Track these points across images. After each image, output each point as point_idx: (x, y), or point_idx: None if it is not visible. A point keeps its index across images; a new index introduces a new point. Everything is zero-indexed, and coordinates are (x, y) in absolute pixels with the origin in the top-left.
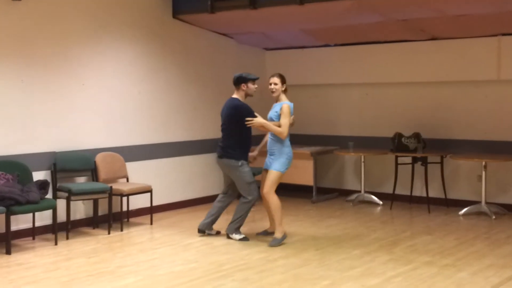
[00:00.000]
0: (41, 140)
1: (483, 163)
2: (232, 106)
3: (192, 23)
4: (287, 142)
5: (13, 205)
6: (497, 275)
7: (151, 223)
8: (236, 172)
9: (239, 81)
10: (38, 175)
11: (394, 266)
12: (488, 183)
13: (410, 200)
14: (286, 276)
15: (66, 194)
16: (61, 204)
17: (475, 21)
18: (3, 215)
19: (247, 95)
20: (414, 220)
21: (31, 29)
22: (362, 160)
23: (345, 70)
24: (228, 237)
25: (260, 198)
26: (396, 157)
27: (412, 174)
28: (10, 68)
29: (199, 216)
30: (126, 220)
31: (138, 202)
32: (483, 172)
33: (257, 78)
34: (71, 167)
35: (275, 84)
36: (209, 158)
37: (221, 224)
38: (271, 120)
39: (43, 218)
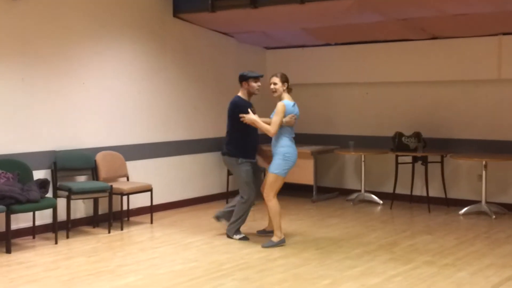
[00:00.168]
0: (42, 139)
1: (484, 162)
2: (230, 102)
3: (192, 22)
4: (285, 142)
5: (13, 204)
6: (497, 275)
7: (151, 222)
8: (235, 170)
9: (241, 79)
10: (39, 174)
11: (394, 266)
12: (488, 183)
13: (410, 200)
14: (286, 275)
15: (66, 193)
16: (61, 203)
17: (476, 20)
18: (3, 214)
19: (249, 93)
20: (414, 220)
21: (31, 29)
22: (363, 159)
23: (345, 69)
24: (228, 237)
25: (260, 197)
26: (397, 156)
27: (413, 174)
28: (10, 68)
29: (200, 215)
30: (126, 219)
31: (138, 201)
32: (484, 172)
33: (259, 76)
34: (71, 166)
35: (275, 84)
36: (209, 157)
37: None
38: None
39: (43, 217)
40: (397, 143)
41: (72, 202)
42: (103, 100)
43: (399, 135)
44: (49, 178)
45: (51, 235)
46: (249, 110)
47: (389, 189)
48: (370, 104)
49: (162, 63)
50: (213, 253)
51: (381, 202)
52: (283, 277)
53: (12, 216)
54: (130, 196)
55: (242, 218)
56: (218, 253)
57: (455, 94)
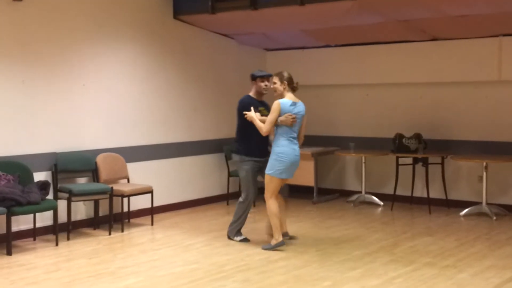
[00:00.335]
0: (42, 140)
1: (484, 163)
2: (238, 101)
3: (192, 24)
4: (281, 142)
5: (13, 206)
6: (498, 276)
7: (152, 224)
8: (238, 167)
9: (251, 78)
10: (39, 176)
11: (395, 267)
12: (489, 184)
13: (411, 201)
14: (287, 277)
15: (67, 195)
16: (62, 205)
17: (476, 21)
18: (4, 216)
19: (258, 92)
20: (415, 221)
21: (31, 30)
22: (363, 161)
23: (345, 71)
24: (229, 238)
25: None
26: (397, 157)
27: (413, 175)
28: (10, 69)
29: (200, 216)
30: (127, 221)
31: (139, 202)
32: (484, 173)
33: (265, 75)
34: (72, 167)
35: (274, 83)
36: (210, 159)
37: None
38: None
39: (44, 219)
40: (397, 145)
41: (72, 204)
42: (103, 102)
43: (400, 136)
44: (50, 180)
45: (51, 237)
46: (251, 108)
47: (390, 191)
48: (370, 106)
49: (162, 64)
50: (214, 254)
51: (382, 203)
52: (283, 278)
53: (13, 218)
54: (131, 198)
55: (242, 219)
56: (218, 254)
57: (456, 96)
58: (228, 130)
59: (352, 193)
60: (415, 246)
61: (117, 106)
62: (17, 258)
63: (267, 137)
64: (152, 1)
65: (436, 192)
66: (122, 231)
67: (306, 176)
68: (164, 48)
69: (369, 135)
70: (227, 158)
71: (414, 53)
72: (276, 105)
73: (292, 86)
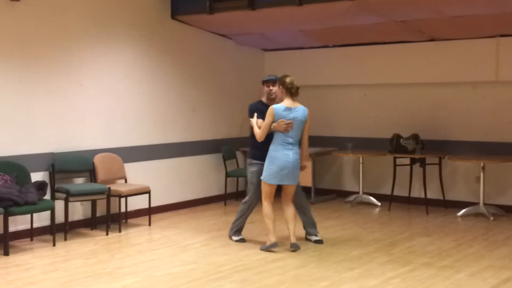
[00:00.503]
0: (39, 140)
1: (481, 164)
2: None
3: (190, 24)
4: (273, 147)
5: (11, 206)
6: (495, 276)
7: (150, 224)
8: (247, 170)
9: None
10: (36, 176)
11: (393, 267)
12: (486, 184)
13: (408, 201)
14: (285, 277)
15: (64, 195)
16: (59, 205)
17: (474, 22)
18: (1, 216)
19: (267, 97)
20: (413, 221)
21: (29, 30)
22: (361, 161)
23: (343, 71)
24: (230, 238)
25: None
26: (395, 158)
27: (411, 175)
28: (8, 69)
29: (198, 217)
30: (124, 221)
31: (137, 203)
32: (481, 173)
33: (269, 80)
34: (69, 168)
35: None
36: (208, 159)
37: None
38: None
39: (41, 219)
40: (395, 145)
41: (70, 204)
42: (101, 102)
43: (397, 137)
44: (47, 180)
45: (49, 237)
46: (255, 114)
47: (387, 191)
48: (368, 106)
49: (160, 65)
50: (212, 255)
51: (379, 204)
52: (281, 278)
53: (10, 218)
54: (128, 198)
55: (241, 220)
56: (216, 255)
57: (453, 96)
58: (226, 130)
59: (349, 193)
60: (412, 247)
61: (115, 106)
62: (14, 258)
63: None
64: (149, 1)
65: (433, 193)
66: (120, 231)
67: (303, 177)
68: (162, 49)
69: (366, 135)
70: (225, 159)
71: (412, 53)
72: (269, 110)
73: (290, 91)
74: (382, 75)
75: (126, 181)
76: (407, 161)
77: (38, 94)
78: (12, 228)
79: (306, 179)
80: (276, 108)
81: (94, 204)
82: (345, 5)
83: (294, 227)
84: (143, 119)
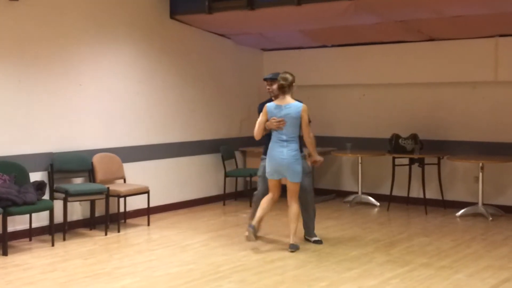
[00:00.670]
0: (38, 140)
1: (480, 164)
2: None
3: (189, 24)
4: (271, 145)
5: (9, 206)
6: (494, 277)
7: (148, 224)
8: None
9: None
10: (35, 176)
11: (392, 268)
12: (485, 185)
13: (407, 202)
14: (284, 277)
15: (63, 195)
16: (58, 205)
17: (473, 22)
18: (0, 216)
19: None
20: (411, 222)
21: (28, 30)
22: (360, 161)
23: (342, 71)
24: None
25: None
26: (393, 158)
27: (409, 176)
28: (7, 69)
29: (197, 217)
30: (123, 221)
31: (135, 203)
32: (480, 174)
33: (267, 78)
34: (68, 168)
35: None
36: (207, 159)
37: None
38: None
39: (40, 219)
40: (394, 145)
41: (68, 204)
42: (100, 102)
43: (396, 137)
44: (46, 180)
45: (47, 237)
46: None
47: (386, 191)
48: (367, 106)
49: (159, 64)
50: (211, 255)
51: (378, 204)
52: (280, 279)
53: (9, 218)
54: (127, 198)
55: (253, 208)
56: (215, 255)
57: (452, 96)
58: (225, 130)
59: (348, 193)
60: (411, 247)
61: (114, 106)
62: (13, 259)
63: None
64: (148, 1)
65: (432, 193)
66: (119, 231)
67: None
68: (161, 48)
69: (365, 135)
70: (224, 159)
71: (411, 53)
72: (264, 108)
73: (281, 89)
74: (381, 75)
75: (125, 181)
76: (406, 161)
77: (37, 94)
78: (10, 228)
79: None
80: (269, 106)
81: (93, 204)
82: (343, 5)
83: (295, 228)
84: (142, 119)
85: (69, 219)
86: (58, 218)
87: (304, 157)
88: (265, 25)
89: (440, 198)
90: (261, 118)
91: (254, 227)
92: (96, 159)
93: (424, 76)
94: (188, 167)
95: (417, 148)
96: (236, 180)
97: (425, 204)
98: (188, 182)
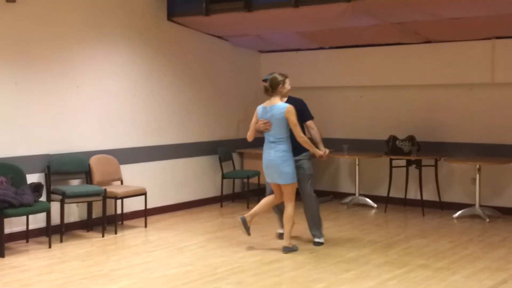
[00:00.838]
0: (35, 142)
1: (477, 166)
2: None
3: (187, 26)
4: (263, 147)
5: (6, 207)
6: (491, 278)
7: (146, 226)
8: None
9: None
10: (32, 178)
11: (389, 269)
12: (482, 186)
13: (405, 203)
14: (281, 279)
15: (60, 197)
16: (55, 206)
17: (470, 24)
18: None
19: None
20: (409, 223)
21: (25, 31)
22: (357, 163)
23: (339, 73)
24: None
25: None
26: (391, 160)
27: (407, 177)
28: (4, 70)
29: (194, 218)
30: (120, 222)
31: (133, 204)
32: (477, 175)
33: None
34: (65, 169)
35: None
36: (204, 161)
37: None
38: None
39: (37, 221)
40: (391, 147)
41: (66, 206)
42: (97, 104)
43: (393, 138)
44: (43, 182)
45: (44, 239)
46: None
47: (383, 193)
48: (364, 108)
49: (157, 66)
50: (208, 256)
51: (376, 205)
52: (278, 280)
53: (6, 220)
54: (124, 199)
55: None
56: (213, 256)
57: (449, 98)
58: (222, 132)
59: (345, 195)
60: (408, 248)
61: (111, 108)
62: (10, 260)
63: (295, 139)
64: (146, 3)
65: (429, 194)
66: (116, 233)
67: None
68: (158, 50)
69: (362, 137)
70: (221, 160)
71: (408, 55)
72: (256, 110)
73: (266, 92)
74: (378, 77)
75: (122, 183)
76: (403, 162)
77: (34, 96)
78: (7, 230)
79: None
80: (258, 108)
81: (90, 205)
82: (341, 7)
83: (287, 230)
84: (139, 120)
85: (66, 220)
86: (55, 219)
87: (309, 158)
88: (263, 27)
89: (437, 199)
90: (252, 120)
91: (245, 219)
92: (93, 160)
93: (421, 78)
94: (185, 169)
95: (414, 150)
96: (234, 181)
97: (422, 205)
98: (185, 184)
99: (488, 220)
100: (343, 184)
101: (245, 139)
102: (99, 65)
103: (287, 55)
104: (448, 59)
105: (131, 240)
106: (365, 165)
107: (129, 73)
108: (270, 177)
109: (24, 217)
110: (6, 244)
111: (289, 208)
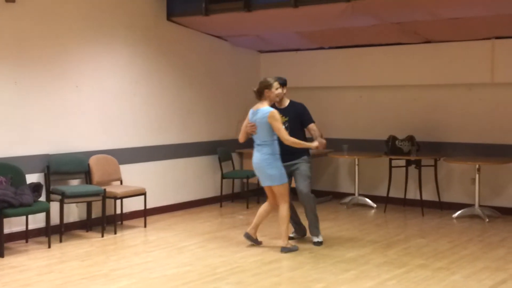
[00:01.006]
0: (35, 142)
1: (477, 166)
2: None
3: (186, 26)
4: None
5: (6, 207)
6: (491, 278)
7: (145, 226)
8: None
9: None
10: (32, 178)
11: (388, 269)
12: (482, 186)
13: (404, 203)
14: (281, 279)
15: (59, 197)
16: (54, 206)
17: (469, 24)
18: None
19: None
20: (408, 223)
21: (25, 31)
22: (356, 163)
23: (339, 73)
24: None
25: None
26: (390, 160)
27: (406, 177)
28: (3, 70)
29: (194, 218)
30: (119, 223)
31: (132, 204)
32: (477, 175)
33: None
34: (64, 169)
35: None
36: (204, 161)
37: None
38: None
39: (37, 221)
40: (390, 147)
41: (65, 206)
42: (96, 103)
43: (393, 138)
44: (42, 182)
45: (44, 239)
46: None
47: (383, 193)
48: (364, 108)
49: (156, 66)
50: (208, 256)
51: (375, 205)
52: (277, 280)
53: (5, 220)
54: (124, 199)
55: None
56: (212, 256)
57: (449, 98)
58: (222, 132)
59: (345, 195)
60: (408, 248)
61: (110, 108)
62: (9, 260)
63: (284, 143)
64: (145, 3)
65: (429, 194)
66: (115, 233)
67: None
68: (158, 50)
69: (362, 137)
70: (221, 160)
71: (408, 55)
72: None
73: (255, 95)
74: (378, 77)
75: (121, 183)
76: (402, 162)
77: (33, 96)
78: (7, 230)
79: None
80: (250, 111)
81: (89, 205)
82: (340, 7)
83: (283, 231)
84: (139, 120)
85: (65, 220)
86: (55, 219)
87: (308, 161)
88: (262, 27)
89: (437, 199)
90: (244, 122)
91: (249, 234)
92: (92, 160)
93: (420, 78)
94: (185, 169)
95: (414, 150)
96: (233, 181)
97: (422, 205)
98: (185, 184)
99: (487, 220)
100: (342, 184)
101: None
102: (99, 65)
103: (287, 55)
104: (448, 59)
105: (131, 240)
106: (364, 165)
107: (129, 73)
108: (260, 179)
109: (24, 217)
110: (6, 244)
111: (282, 209)
